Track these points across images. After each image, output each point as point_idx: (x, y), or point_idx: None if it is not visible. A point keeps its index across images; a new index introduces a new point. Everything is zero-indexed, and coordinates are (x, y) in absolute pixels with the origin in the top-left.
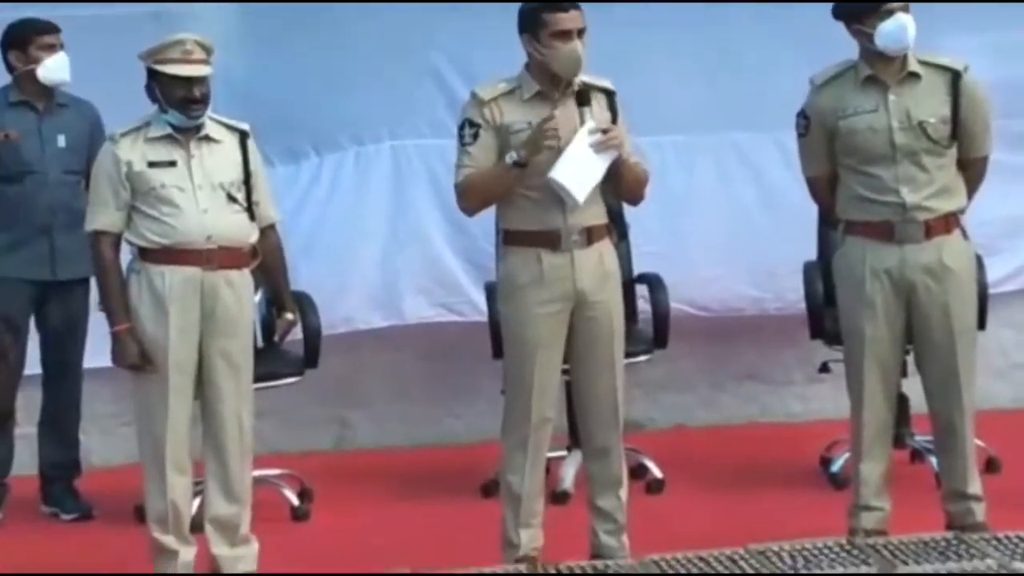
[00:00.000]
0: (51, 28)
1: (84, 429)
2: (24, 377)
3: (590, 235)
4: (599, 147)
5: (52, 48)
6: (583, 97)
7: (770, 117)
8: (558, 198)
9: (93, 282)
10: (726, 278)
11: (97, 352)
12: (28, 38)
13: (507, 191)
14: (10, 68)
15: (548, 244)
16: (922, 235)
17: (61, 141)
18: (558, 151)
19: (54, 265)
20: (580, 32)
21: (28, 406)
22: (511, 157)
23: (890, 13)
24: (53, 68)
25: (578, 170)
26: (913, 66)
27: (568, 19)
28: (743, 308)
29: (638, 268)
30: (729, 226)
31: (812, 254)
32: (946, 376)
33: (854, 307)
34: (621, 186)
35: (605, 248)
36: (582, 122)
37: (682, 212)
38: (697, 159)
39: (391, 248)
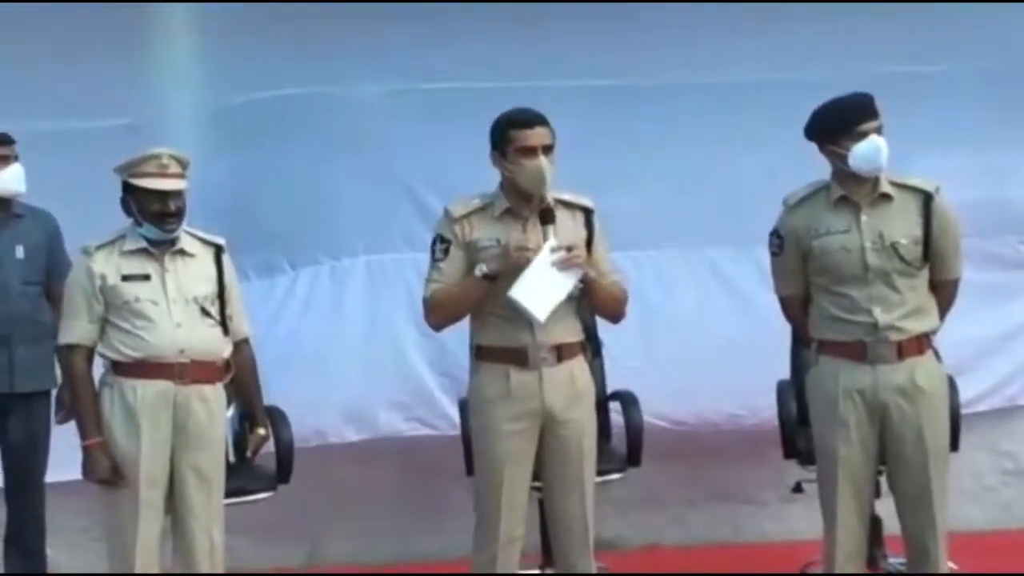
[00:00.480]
0: (4, 140)
1: (52, 543)
2: None
3: (560, 352)
4: (562, 265)
5: (6, 160)
6: (546, 216)
7: (747, 232)
8: (526, 316)
9: (54, 394)
10: (702, 393)
11: (66, 464)
12: None
13: (476, 305)
14: None
15: (516, 361)
16: (895, 355)
17: (19, 252)
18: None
19: (12, 377)
20: (547, 149)
21: None
22: (480, 270)
23: (864, 135)
24: (7, 180)
25: (539, 288)
26: (885, 187)
27: (533, 135)
28: (719, 423)
29: (615, 381)
30: (706, 341)
31: (787, 371)
32: (919, 497)
33: (827, 426)
34: (595, 304)
35: (577, 366)
36: (545, 240)
37: (659, 327)
38: (673, 274)
39: (366, 362)
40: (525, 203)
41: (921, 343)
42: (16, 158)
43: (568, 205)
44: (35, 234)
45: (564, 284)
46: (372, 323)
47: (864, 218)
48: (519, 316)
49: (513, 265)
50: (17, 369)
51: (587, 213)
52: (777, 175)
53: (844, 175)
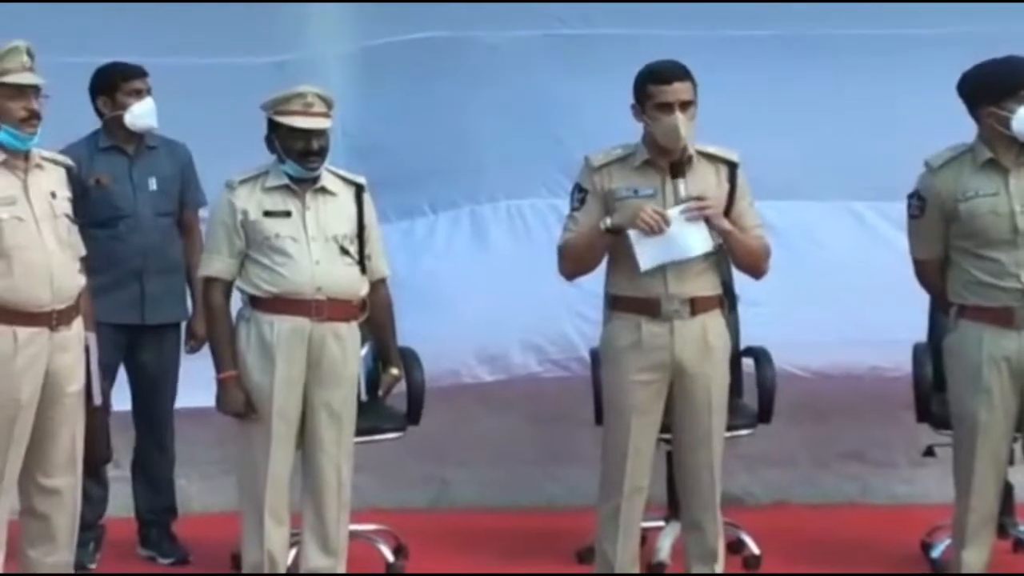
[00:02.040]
0: (138, 73)
1: (184, 474)
2: (122, 418)
3: (694, 306)
4: (690, 215)
5: (139, 93)
6: (676, 169)
7: (896, 186)
8: (662, 267)
9: (184, 327)
10: (844, 345)
11: (200, 393)
12: (115, 84)
13: (599, 257)
14: (99, 113)
15: (648, 312)
16: None
17: (152, 184)
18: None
19: (144, 310)
20: (684, 104)
21: (129, 447)
22: (604, 223)
23: None
24: (139, 114)
25: (658, 240)
26: None
27: (671, 91)
28: (861, 375)
29: (758, 327)
30: (851, 293)
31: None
32: None
33: (968, 392)
34: (734, 258)
35: (711, 320)
36: (676, 193)
37: (805, 276)
38: (821, 224)
39: (502, 304)
40: (664, 155)
41: None
42: (149, 91)
43: (712, 158)
44: (168, 166)
45: (689, 245)
46: (511, 267)
47: (1013, 181)
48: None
49: (635, 226)
50: (148, 301)
51: (731, 167)
52: (928, 132)
53: (997, 137)
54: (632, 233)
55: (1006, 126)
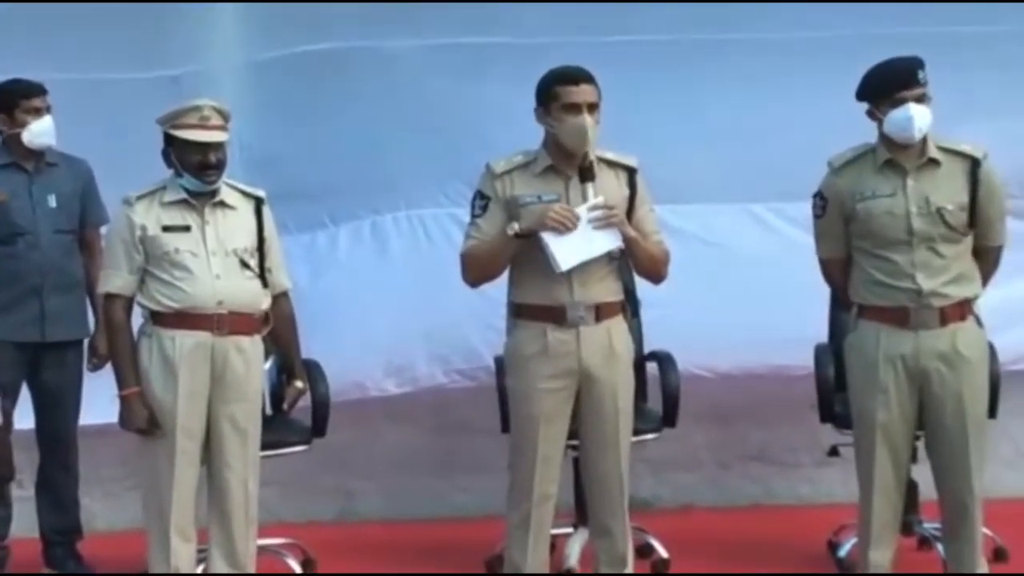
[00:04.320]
0: (38, 91)
1: (88, 492)
2: (25, 436)
3: (598, 312)
4: (598, 224)
5: (38, 112)
6: (586, 174)
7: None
8: (566, 274)
9: (86, 344)
10: (747, 345)
11: (102, 410)
12: (14, 101)
13: (505, 263)
14: None
15: (554, 319)
16: (937, 321)
17: (52, 201)
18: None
19: (44, 327)
20: (591, 107)
21: (33, 467)
22: (512, 228)
23: (902, 101)
24: (38, 132)
25: (572, 242)
26: (933, 152)
27: (578, 92)
28: (765, 375)
29: (661, 332)
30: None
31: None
32: (958, 463)
33: (867, 392)
34: (635, 264)
35: (615, 326)
36: (584, 198)
37: (706, 279)
38: (721, 227)
39: (406, 316)
40: (567, 160)
41: (963, 309)
42: (48, 109)
43: (612, 164)
44: (69, 183)
45: (599, 243)
46: (413, 277)
47: (911, 183)
48: (558, 274)
49: (544, 227)
50: (49, 318)
51: (630, 172)
52: (828, 133)
53: (890, 139)
54: (545, 235)
55: (883, 127)
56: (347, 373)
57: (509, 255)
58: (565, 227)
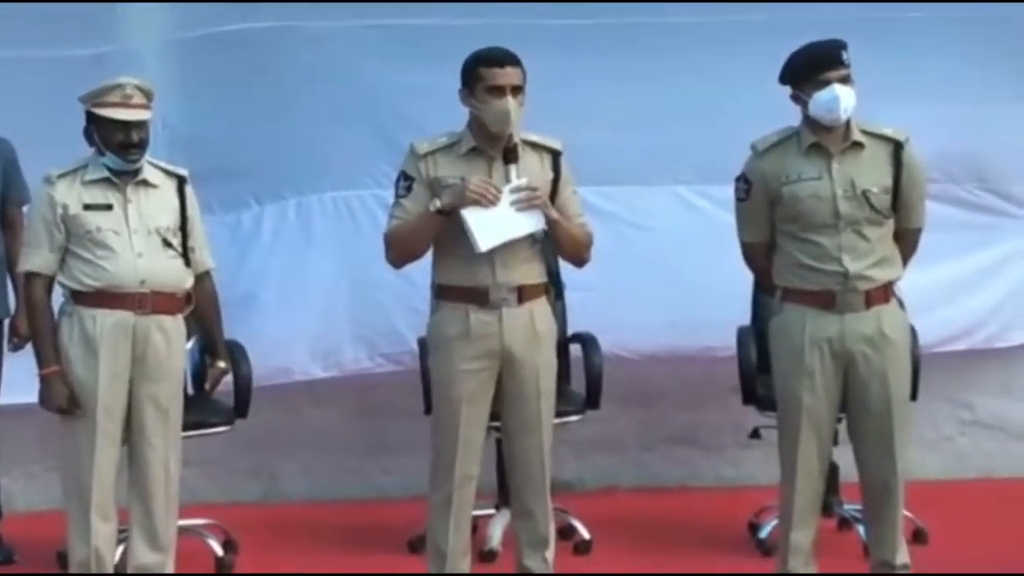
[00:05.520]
0: None
1: (7, 472)
2: None
3: (521, 294)
4: (521, 205)
5: None
6: (509, 155)
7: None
8: (489, 256)
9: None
10: (672, 327)
11: (22, 389)
12: None
13: (428, 243)
14: None
15: (476, 300)
16: (863, 305)
17: None
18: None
19: None
20: (515, 89)
21: None
22: (434, 204)
23: (827, 83)
24: None
25: (493, 222)
26: (856, 135)
27: (502, 75)
28: (691, 356)
29: (586, 313)
30: (677, 276)
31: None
32: (882, 445)
33: (792, 375)
34: (558, 247)
35: (538, 308)
36: (507, 179)
37: (631, 261)
38: (647, 209)
39: (331, 299)
40: (491, 142)
41: (887, 291)
42: None
43: (536, 146)
44: None
45: (521, 224)
46: (338, 260)
47: (836, 166)
48: (480, 256)
49: (465, 202)
50: None
51: (555, 155)
52: (754, 116)
53: (814, 122)
54: (466, 213)
55: (808, 110)
56: (272, 356)
57: (432, 234)
58: (485, 199)
